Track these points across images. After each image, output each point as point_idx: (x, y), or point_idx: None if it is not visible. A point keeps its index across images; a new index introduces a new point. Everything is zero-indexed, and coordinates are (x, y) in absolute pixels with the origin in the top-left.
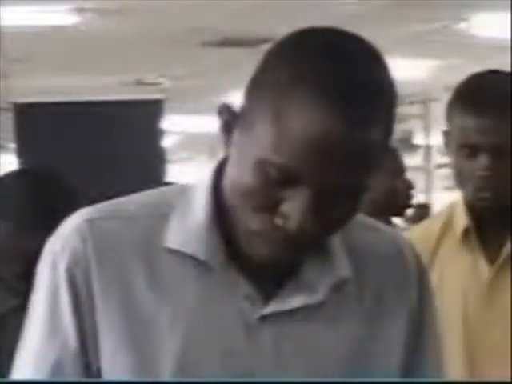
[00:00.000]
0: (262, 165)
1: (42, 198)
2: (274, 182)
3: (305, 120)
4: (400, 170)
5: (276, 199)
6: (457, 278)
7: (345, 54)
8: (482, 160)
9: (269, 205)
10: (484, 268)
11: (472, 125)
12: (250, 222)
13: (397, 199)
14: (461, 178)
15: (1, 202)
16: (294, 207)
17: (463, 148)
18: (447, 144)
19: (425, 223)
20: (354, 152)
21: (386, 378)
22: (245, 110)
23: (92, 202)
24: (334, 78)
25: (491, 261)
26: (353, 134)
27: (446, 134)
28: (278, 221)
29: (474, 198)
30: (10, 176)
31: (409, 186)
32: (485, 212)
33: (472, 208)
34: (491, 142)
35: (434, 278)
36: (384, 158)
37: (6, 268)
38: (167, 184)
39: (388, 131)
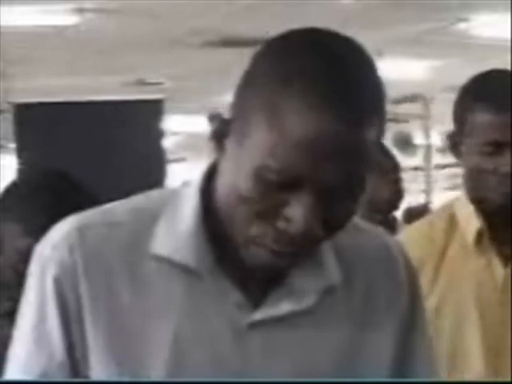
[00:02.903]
0: (260, 171)
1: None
2: (274, 187)
3: (299, 122)
4: (391, 167)
5: (277, 204)
6: (469, 279)
7: (333, 54)
8: (508, 156)
9: (271, 210)
10: (498, 269)
11: (496, 122)
12: (250, 229)
13: (387, 195)
14: (480, 177)
15: (21, 203)
16: (296, 210)
17: (486, 146)
18: (456, 144)
19: (425, 220)
20: (351, 151)
21: (377, 379)
22: (236, 117)
23: (91, 202)
24: (325, 78)
25: (504, 261)
26: (348, 132)
27: (456, 134)
28: (282, 225)
29: (496, 194)
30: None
31: (397, 181)
32: (497, 211)
33: (483, 208)
34: None
35: (443, 280)
36: (376, 155)
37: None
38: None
39: (380, 127)
